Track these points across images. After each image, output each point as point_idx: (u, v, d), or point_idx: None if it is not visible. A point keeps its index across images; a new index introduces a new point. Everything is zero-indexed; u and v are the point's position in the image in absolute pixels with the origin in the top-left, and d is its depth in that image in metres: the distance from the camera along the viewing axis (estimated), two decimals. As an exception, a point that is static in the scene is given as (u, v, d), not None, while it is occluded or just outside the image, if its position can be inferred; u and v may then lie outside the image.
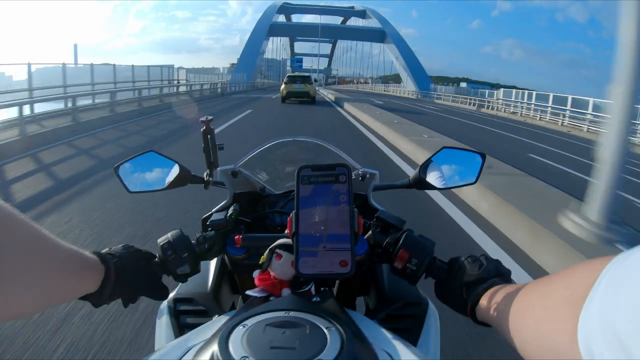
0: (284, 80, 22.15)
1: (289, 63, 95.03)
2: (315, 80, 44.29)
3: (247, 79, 43.53)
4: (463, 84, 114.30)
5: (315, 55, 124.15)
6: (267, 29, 57.65)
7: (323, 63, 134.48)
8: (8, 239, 0.39)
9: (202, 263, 0.74)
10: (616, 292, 0.26)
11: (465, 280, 0.61)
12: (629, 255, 0.27)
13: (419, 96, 44.11)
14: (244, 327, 0.48)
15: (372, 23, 68.32)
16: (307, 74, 24.14)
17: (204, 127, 0.86)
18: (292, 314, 0.51)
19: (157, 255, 0.68)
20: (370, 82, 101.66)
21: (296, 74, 26.05)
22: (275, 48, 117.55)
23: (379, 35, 62.05)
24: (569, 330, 0.29)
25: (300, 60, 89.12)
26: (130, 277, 0.62)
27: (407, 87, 49.11)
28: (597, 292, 0.27)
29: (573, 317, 0.29)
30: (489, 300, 0.54)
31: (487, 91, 36.72)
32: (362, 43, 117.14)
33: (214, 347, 0.45)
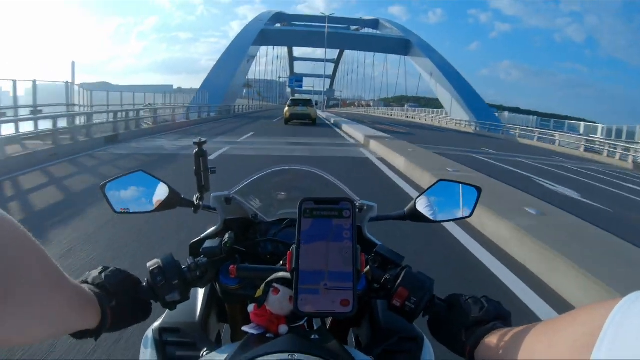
0: (287, 104, 22.77)
1: (288, 83, 79.18)
2: (317, 103, 40.16)
3: (216, 102, 27.77)
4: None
5: (319, 77, 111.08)
6: (254, 36, 41.70)
7: (325, 84, 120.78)
8: (24, 265, 0.38)
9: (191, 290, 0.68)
10: (626, 338, 0.25)
11: (465, 322, 0.58)
12: (635, 300, 0.27)
13: (478, 129, 28.26)
14: None
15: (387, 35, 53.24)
16: (308, 98, 26.63)
17: (197, 149, 0.84)
18: (294, 356, 0.50)
19: (146, 279, 0.63)
20: (372, 104, 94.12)
21: (298, 97, 28.14)
22: (276, 70, 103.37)
23: (401, 46, 46.22)
24: None
25: (300, 80, 73.74)
26: (125, 315, 0.61)
27: (454, 115, 34.01)
28: (605, 340, 0.27)
29: None
30: (490, 344, 0.52)
31: (580, 124, 21.50)
32: (364, 65, 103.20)
33: None
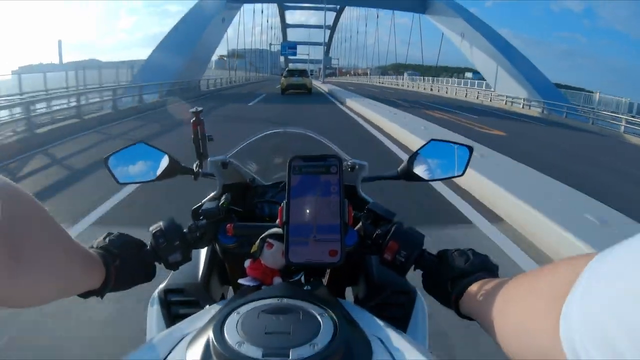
0: (284, 74, 23.04)
1: (280, 50, 68.26)
2: (312, 72, 39.08)
3: (166, 77, 17.54)
4: (469, 74, 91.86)
5: (314, 44, 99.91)
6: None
7: (319, 52, 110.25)
8: (31, 227, 0.39)
9: (193, 253, 0.70)
10: (598, 286, 0.25)
11: (451, 273, 0.59)
12: (611, 250, 0.26)
13: (545, 112, 19.34)
14: (237, 314, 0.47)
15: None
16: (303, 68, 25.08)
17: (194, 118, 0.83)
18: (285, 300, 0.50)
19: (149, 242, 0.65)
20: (369, 72, 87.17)
21: (292, 67, 26.58)
22: (266, 39, 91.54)
23: (417, 0, 34.77)
24: (551, 328, 0.27)
25: (294, 47, 63.02)
26: (129, 275, 0.62)
27: (500, 89, 24.21)
28: (578, 288, 0.26)
29: (555, 315, 0.27)
30: (473, 294, 0.53)
31: None
32: (365, 33, 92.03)
33: (209, 334, 0.43)
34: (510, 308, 0.39)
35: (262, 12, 67.02)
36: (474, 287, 0.53)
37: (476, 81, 30.97)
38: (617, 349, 0.21)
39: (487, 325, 0.44)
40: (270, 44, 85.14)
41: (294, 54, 61.66)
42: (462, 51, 29.30)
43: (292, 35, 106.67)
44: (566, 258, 0.32)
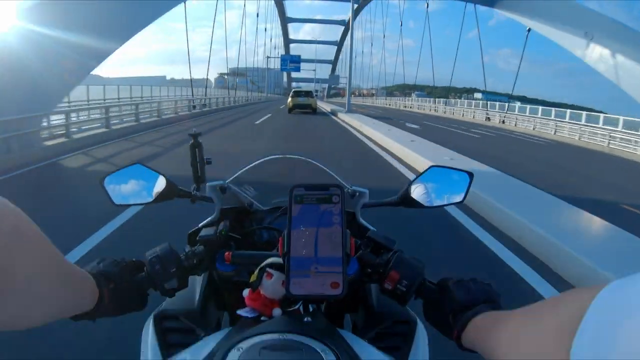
0: (290, 95, 23.79)
1: (280, 65, 56.00)
2: (316, 92, 37.49)
3: None
4: (477, 95, 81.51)
5: (320, 62, 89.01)
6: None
7: (325, 70, 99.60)
8: (23, 247, 0.37)
9: (189, 278, 0.69)
10: (609, 329, 0.24)
11: (453, 305, 0.57)
12: (618, 287, 0.26)
13: None
14: (238, 350, 0.46)
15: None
16: (309, 90, 26.35)
17: (192, 141, 0.82)
18: (286, 336, 0.49)
19: (145, 269, 0.63)
20: (375, 93, 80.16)
21: (298, 88, 29.72)
22: (267, 52, 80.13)
23: None
24: None
25: (297, 61, 50.61)
26: (122, 299, 0.60)
27: None
28: (587, 327, 0.26)
29: (563, 350, 0.27)
30: (476, 328, 0.52)
31: None
32: (365, 53, 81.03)
33: None
34: (516, 343, 0.38)
35: (257, 15, 55.40)
36: (476, 321, 0.52)
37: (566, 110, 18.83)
38: None
39: None
40: (268, 57, 72.08)
41: (297, 69, 49.76)
42: (586, 60, 16.98)
43: (298, 52, 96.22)
44: (570, 291, 0.32)
